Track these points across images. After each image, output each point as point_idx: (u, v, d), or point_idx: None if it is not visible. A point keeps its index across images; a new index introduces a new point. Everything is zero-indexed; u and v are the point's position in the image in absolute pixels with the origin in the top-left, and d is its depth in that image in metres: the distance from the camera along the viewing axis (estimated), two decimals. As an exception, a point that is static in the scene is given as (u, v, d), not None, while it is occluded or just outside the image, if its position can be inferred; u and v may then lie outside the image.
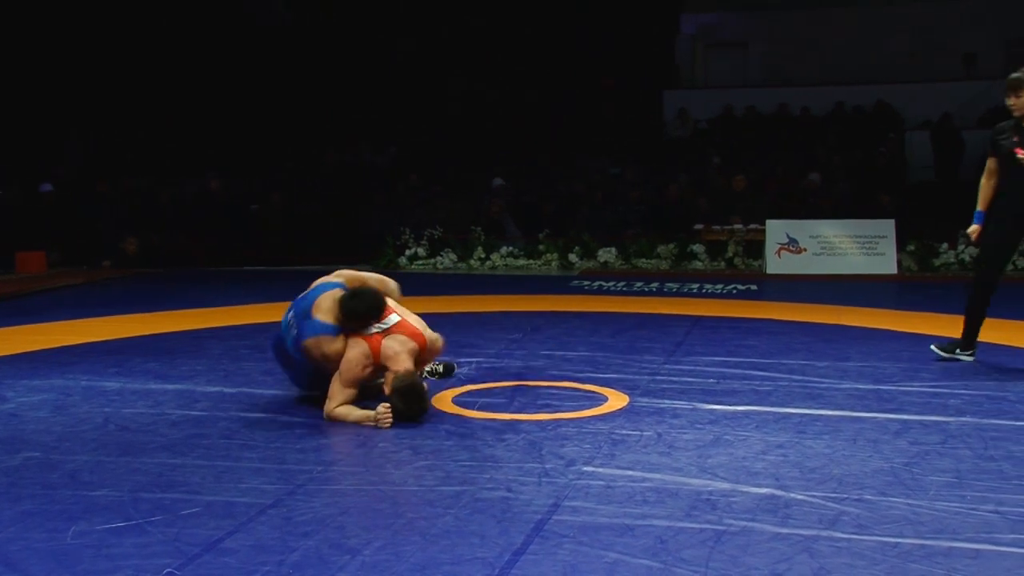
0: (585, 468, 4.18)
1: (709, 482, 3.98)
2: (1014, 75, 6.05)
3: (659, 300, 9.70)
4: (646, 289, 10.59)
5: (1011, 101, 6.06)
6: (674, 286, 10.76)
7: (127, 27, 14.85)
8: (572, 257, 12.84)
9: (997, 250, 6.29)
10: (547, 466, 4.21)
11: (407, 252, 13.12)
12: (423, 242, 13.17)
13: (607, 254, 12.74)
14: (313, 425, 4.88)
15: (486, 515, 3.62)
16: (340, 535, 3.43)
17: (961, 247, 11.94)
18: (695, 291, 10.37)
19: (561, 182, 14.86)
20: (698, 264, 12.52)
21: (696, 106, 17.42)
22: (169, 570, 3.12)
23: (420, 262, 13.07)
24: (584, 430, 4.79)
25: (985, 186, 6.30)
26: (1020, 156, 5.99)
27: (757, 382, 5.82)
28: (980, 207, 6.33)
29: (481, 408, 5.22)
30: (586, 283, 11.18)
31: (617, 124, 16.57)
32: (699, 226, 12.83)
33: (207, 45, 15.24)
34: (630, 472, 4.12)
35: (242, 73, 15.49)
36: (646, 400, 5.39)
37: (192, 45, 15.18)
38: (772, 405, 5.27)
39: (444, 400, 5.40)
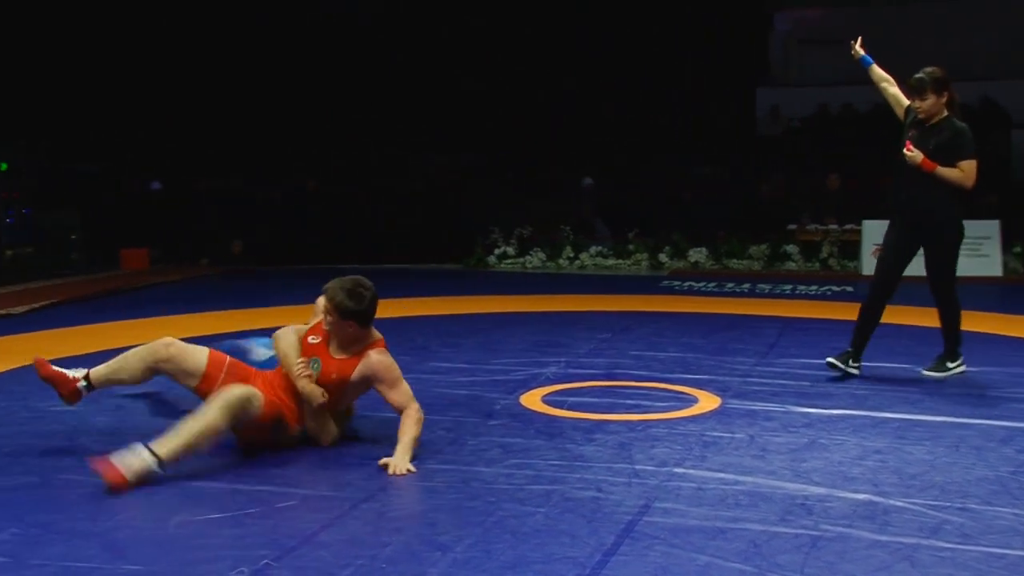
0: (676, 470, 4.14)
1: (804, 486, 3.91)
2: (916, 76, 5.72)
3: (751, 301, 9.56)
4: (737, 290, 10.45)
5: (915, 104, 5.75)
6: (766, 287, 10.60)
7: (220, 28, 15.21)
8: (662, 257, 12.74)
9: (885, 247, 5.96)
10: (637, 467, 4.18)
11: (496, 251, 13.19)
12: (512, 241, 13.22)
13: (698, 254, 12.61)
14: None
15: (576, 515, 3.61)
16: (432, 531, 3.46)
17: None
18: (788, 292, 10.20)
19: (651, 181, 14.75)
20: (791, 265, 12.30)
21: (790, 104, 17.12)
22: (266, 561, 3.19)
23: (509, 261, 13.12)
24: (675, 431, 4.75)
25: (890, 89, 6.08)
26: (907, 152, 5.69)
27: (853, 385, 5.70)
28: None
29: (571, 408, 5.22)
30: (676, 283, 11.08)
31: (708, 122, 16.37)
32: (793, 226, 12.61)
33: (298, 45, 15.51)
34: (722, 475, 4.07)
35: (338, 74, 15.73)
36: (738, 402, 5.32)
37: (283, 45, 15.47)
38: (869, 409, 5.15)
39: (534, 399, 5.41)
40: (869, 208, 12.39)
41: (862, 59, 6.26)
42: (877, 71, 6.22)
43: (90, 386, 4.48)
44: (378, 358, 4.44)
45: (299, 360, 4.41)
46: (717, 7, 16.58)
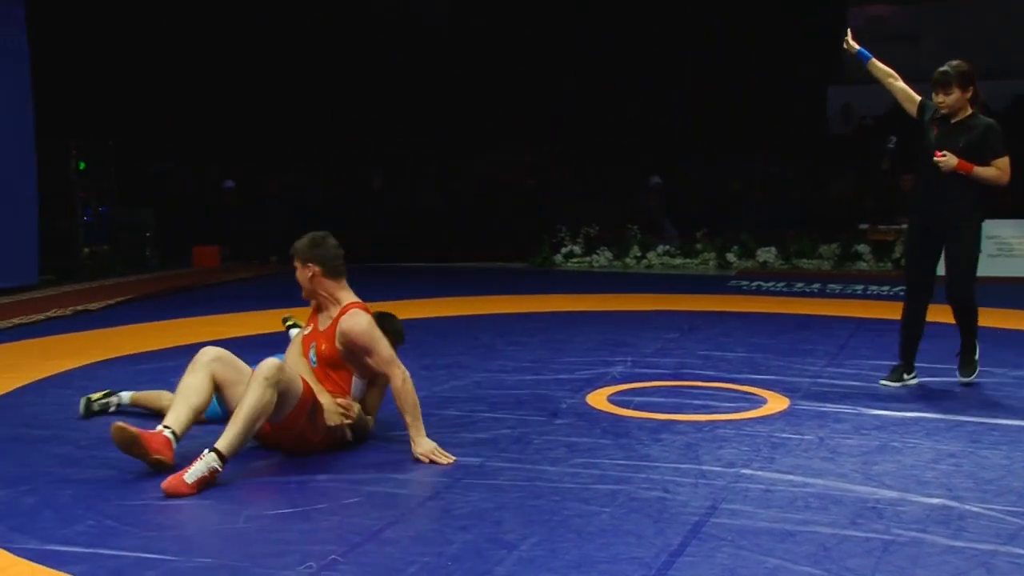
0: (744, 471, 4.09)
1: (875, 490, 3.84)
2: (941, 69, 5.41)
3: (821, 301, 9.41)
4: (807, 290, 10.29)
5: (939, 98, 5.43)
6: (837, 287, 10.41)
7: (294, 31, 15.42)
8: (730, 256, 12.60)
9: (909, 249, 5.73)
10: (704, 468, 4.14)
11: (563, 250, 13.18)
12: (579, 240, 13.20)
13: (766, 254, 12.45)
14: (471, 420, 4.94)
15: (642, 515, 3.59)
16: (497, 529, 3.47)
17: None
18: (859, 292, 10.02)
19: (719, 180, 14.60)
20: (863, 265, 12.09)
21: (862, 102, 16.83)
22: (333, 556, 3.22)
23: (575, 260, 13.09)
24: (742, 432, 4.69)
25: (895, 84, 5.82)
26: (939, 160, 5.35)
27: (926, 388, 5.58)
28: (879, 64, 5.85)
29: (637, 407, 5.19)
30: (744, 283, 10.95)
31: (778, 120, 16.16)
32: (864, 226, 12.39)
33: (369, 44, 15.65)
34: (791, 477, 4.01)
35: (400, 74, 15.85)
36: (807, 403, 5.24)
37: (355, 44, 15.62)
38: (943, 412, 5.04)
39: (600, 399, 5.39)
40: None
41: (858, 53, 5.95)
42: (878, 66, 5.92)
43: (176, 435, 4.11)
44: (350, 322, 4.27)
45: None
46: (790, 4, 16.37)
